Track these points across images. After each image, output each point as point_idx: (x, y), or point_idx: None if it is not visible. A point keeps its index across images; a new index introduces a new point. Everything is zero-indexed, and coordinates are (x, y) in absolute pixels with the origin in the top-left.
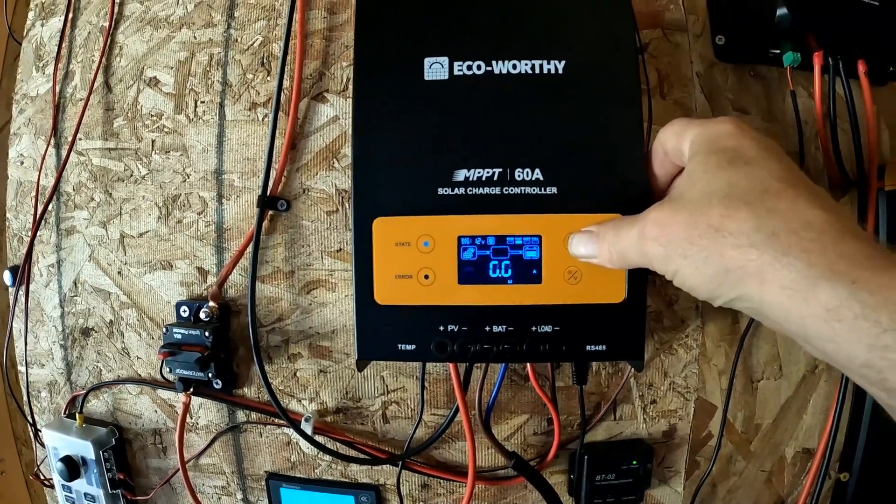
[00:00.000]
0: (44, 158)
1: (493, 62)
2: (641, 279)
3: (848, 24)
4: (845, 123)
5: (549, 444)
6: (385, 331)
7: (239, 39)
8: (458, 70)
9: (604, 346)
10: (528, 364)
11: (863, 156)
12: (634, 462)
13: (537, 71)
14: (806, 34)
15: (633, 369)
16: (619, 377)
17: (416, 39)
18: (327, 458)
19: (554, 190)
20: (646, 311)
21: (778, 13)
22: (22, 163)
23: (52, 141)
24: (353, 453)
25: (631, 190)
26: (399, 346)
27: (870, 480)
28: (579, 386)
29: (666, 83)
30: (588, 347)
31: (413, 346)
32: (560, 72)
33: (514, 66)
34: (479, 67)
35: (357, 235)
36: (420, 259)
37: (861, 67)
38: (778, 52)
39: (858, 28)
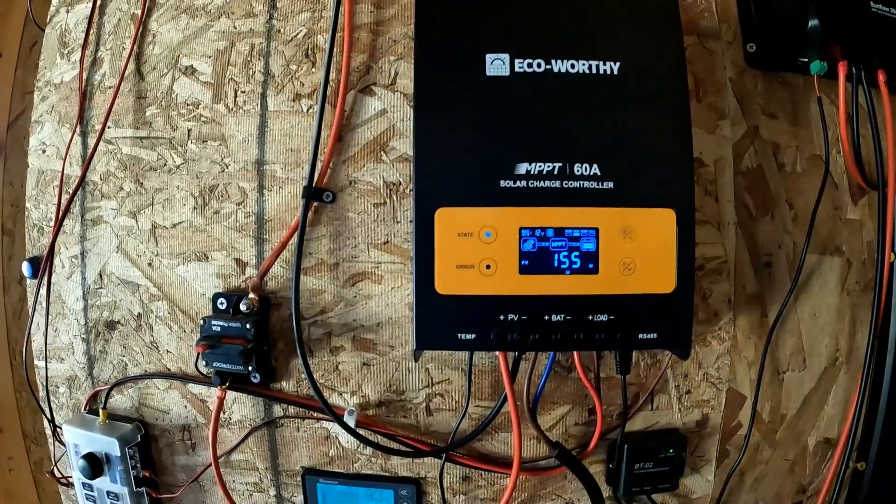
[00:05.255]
0: (69, 147)
1: (553, 61)
2: (690, 270)
3: (871, 35)
4: (866, 129)
5: (589, 435)
6: (445, 320)
7: (282, 30)
8: (519, 67)
9: (655, 335)
10: (575, 354)
11: (883, 161)
12: (671, 451)
13: (594, 71)
14: (832, 44)
15: (670, 360)
16: (656, 368)
17: (477, 35)
18: (367, 452)
19: (610, 185)
20: (693, 300)
21: (810, 24)
22: (44, 151)
23: (78, 129)
24: (395, 446)
25: (680, 186)
26: (459, 335)
27: (886, 470)
28: (622, 376)
29: (701, 87)
30: (640, 336)
31: (473, 336)
32: (615, 73)
33: (573, 66)
34: (538, 65)
35: (419, 226)
36: (482, 249)
37: (881, 77)
38: (805, 60)
39: (880, 40)
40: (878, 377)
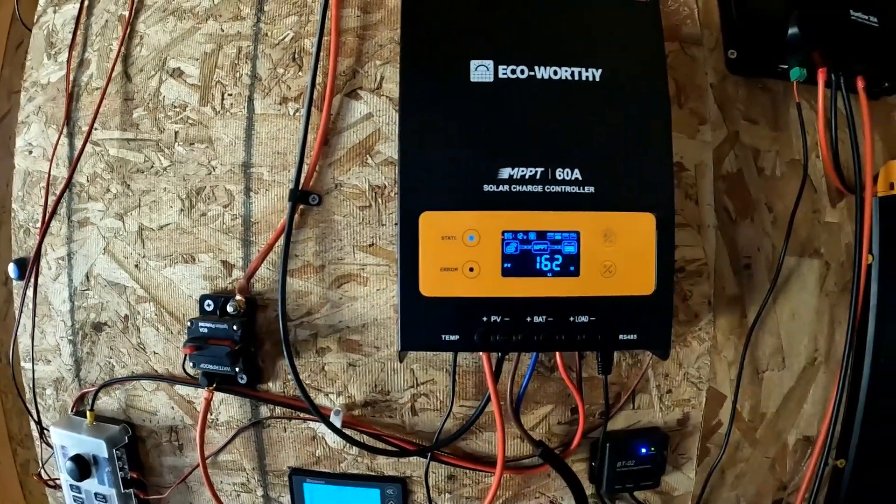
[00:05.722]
0: (55, 148)
1: (536, 67)
2: (669, 272)
3: (850, 42)
4: (843, 134)
5: (572, 434)
6: (429, 322)
7: (269, 34)
8: (503, 73)
9: (635, 336)
10: (557, 354)
11: (861, 165)
12: (653, 448)
13: (576, 77)
14: (812, 51)
15: (651, 360)
16: (638, 368)
17: (462, 42)
18: (353, 451)
19: (591, 189)
20: (672, 302)
21: (790, 32)
22: (30, 152)
23: (65, 130)
24: (381, 446)
25: (660, 191)
26: (443, 336)
27: (865, 467)
28: (604, 376)
29: (683, 93)
30: (620, 337)
31: (456, 337)
32: (597, 79)
33: (555, 72)
34: (522, 72)
35: (403, 229)
36: (465, 252)
37: (860, 83)
38: (786, 67)
39: (859, 47)
40: (856, 376)
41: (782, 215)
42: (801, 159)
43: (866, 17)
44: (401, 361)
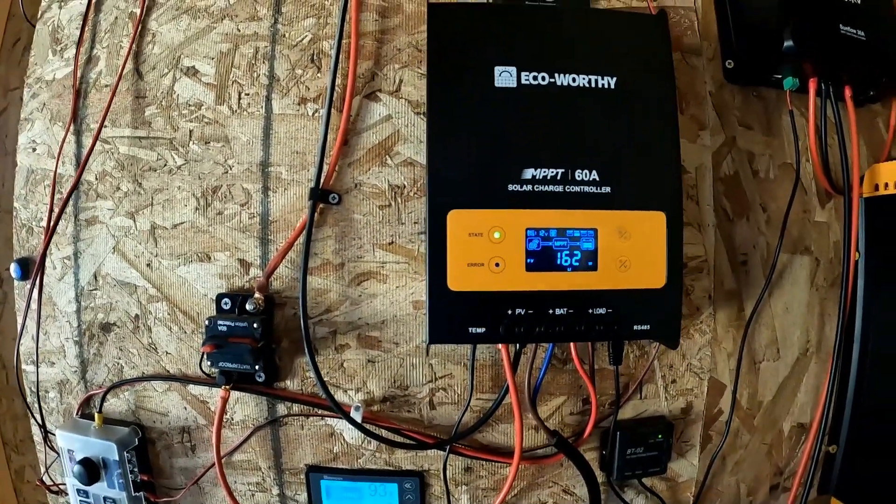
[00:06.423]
0: (62, 145)
1: (556, 74)
2: (678, 267)
3: (839, 55)
4: (832, 139)
5: (583, 424)
6: (456, 315)
7: (287, 35)
8: (525, 79)
9: (648, 326)
10: (572, 346)
11: (848, 168)
12: (660, 436)
13: (593, 85)
14: (803, 62)
15: (657, 352)
16: (645, 359)
17: (486, 49)
18: (371, 447)
19: (608, 189)
20: (682, 294)
21: (785, 45)
22: (34, 149)
23: (72, 128)
24: (400, 440)
25: (670, 191)
26: (470, 329)
27: (856, 452)
28: (615, 366)
29: (684, 100)
30: (635, 327)
31: (483, 329)
32: (612, 87)
33: (574, 80)
34: (543, 78)
35: (432, 226)
36: (491, 248)
37: (847, 92)
38: (779, 76)
39: (847, 59)
40: (845, 366)
41: (775, 215)
42: (793, 163)
43: (854, 32)
44: (428, 354)
